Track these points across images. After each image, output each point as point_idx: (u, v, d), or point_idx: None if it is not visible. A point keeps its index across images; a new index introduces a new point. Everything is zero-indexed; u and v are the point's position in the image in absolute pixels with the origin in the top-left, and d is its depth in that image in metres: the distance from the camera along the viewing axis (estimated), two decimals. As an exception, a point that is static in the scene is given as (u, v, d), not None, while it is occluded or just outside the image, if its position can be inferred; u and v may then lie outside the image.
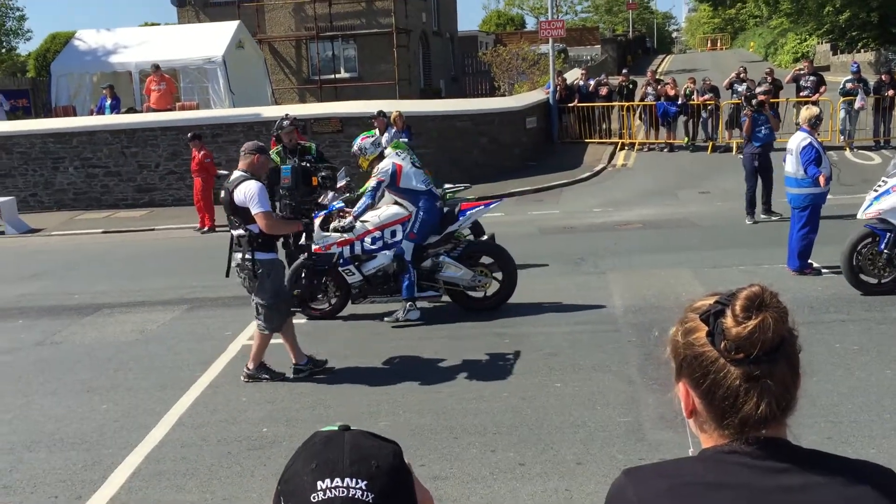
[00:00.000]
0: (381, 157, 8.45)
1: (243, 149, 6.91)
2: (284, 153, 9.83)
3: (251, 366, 6.95)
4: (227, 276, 7.14)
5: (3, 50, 41.69)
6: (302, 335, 8.19)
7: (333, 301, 8.75)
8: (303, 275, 8.60)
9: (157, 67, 19.78)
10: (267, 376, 6.94)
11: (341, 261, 8.39)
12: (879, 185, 8.48)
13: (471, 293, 8.61)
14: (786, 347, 1.35)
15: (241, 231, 6.63)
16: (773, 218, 12.52)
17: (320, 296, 8.74)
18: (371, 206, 8.29)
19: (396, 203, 8.48)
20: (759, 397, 1.32)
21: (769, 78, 20.10)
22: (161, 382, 7.10)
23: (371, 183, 8.25)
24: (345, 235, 8.36)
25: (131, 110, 20.21)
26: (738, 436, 1.35)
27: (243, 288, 7.02)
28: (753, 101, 12.43)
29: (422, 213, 8.25)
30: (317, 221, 8.44)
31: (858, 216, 8.59)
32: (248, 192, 6.48)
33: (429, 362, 7.20)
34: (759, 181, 12.51)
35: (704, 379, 1.36)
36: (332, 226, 8.48)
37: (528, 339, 7.65)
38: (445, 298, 8.70)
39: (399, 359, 7.35)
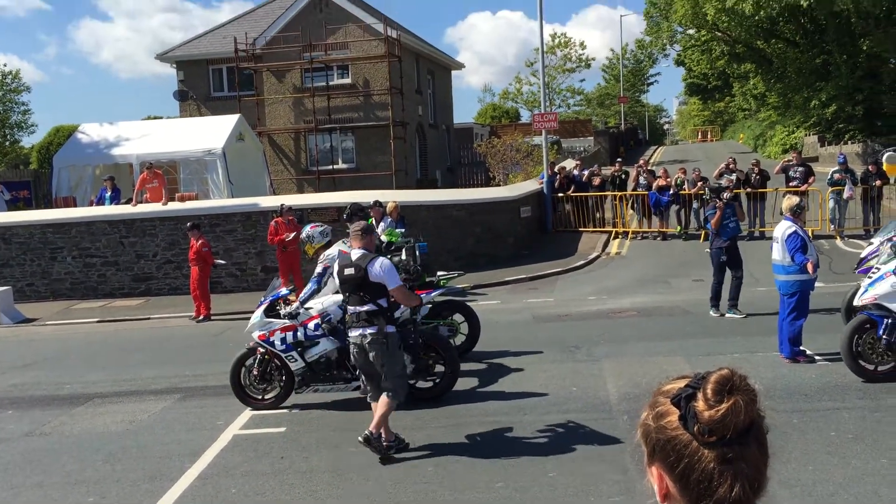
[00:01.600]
0: (327, 245, 8.75)
1: (359, 229, 7.17)
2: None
3: (375, 430, 6.93)
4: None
5: (7, 143, 42.49)
6: (294, 425, 8.14)
7: (276, 392, 8.70)
8: (247, 363, 8.67)
9: (150, 165, 20.10)
10: (392, 444, 7.01)
11: (284, 346, 8.43)
12: (874, 272, 8.59)
13: (414, 382, 8.45)
14: (756, 429, 1.37)
15: (370, 307, 6.93)
16: (738, 315, 12.00)
17: (265, 385, 8.73)
18: (317, 292, 8.49)
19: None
20: (733, 480, 1.33)
21: (756, 169, 20.51)
22: (150, 473, 7.00)
23: (317, 269, 8.50)
24: (289, 321, 8.45)
25: (131, 202, 20.43)
26: None
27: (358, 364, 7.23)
28: (724, 195, 12.34)
29: None
30: (261, 309, 8.59)
31: (855, 303, 8.67)
32: (384, 268, 6.95)
33: (419, 451, 7.12)
34: (729, 274, 12.19)
35: (678, 463, 1.36)
36: (282, 312, 8.58)
37: (521, 426, 7.58)
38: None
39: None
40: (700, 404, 1.35)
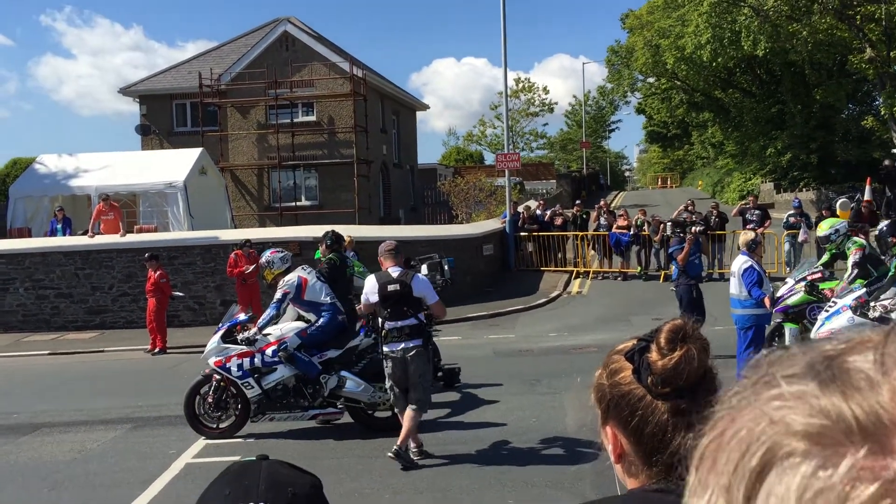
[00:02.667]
0: (287, 271, 8.77)
1: (391, 248, 7.45)
2: (340, 255, 10.07)
3: (402, 444, 7.19)
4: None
5: (-37, 174, 41.70)
6: (249, 454, 7.97)
7: (231, 421, 8.54)
8: (202, 391, 8.54)
9: (106, 197, 19.86)
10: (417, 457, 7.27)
11: (240, 373, 8.32)
12: (830, 306, 8.76)
13: (374, 413, 8.47)
14: (708, 381, 1.37)
15: (412, 321, 7.25)
16: None
17: (220, 413, 8.58)
18: (276, 318, 8.53)
19: (300, 318, 8.59)
20: (687, 431, 1.31)
21: (715, 212, 20.91)
22: (98, 502, 6.79)
23: (277, 295, 8.50)
24: (246, 347, 8.35)
25: (86, 233, 20.10)
26: (667, 474, 1.34)
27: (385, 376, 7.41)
28: (695, 228, 12.38)
29: (320, 321, 8.45)
30: (218, 335, 8.49)
31: (811, 336, 8.79)
32: (425, 283, 7.43)
33: (375, 479, 7.00)
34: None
35: (632, 417, 1.35)
36: (238, 337, 8.47)
37: (480, 455, 7.51)
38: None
39: (340, 474, 7.14)
40: (653, 355, 1.34)
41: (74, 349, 15.91)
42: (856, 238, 10.39)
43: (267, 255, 9.05)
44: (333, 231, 10.49)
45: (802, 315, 10.10)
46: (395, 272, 7.32)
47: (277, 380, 8.37)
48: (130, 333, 16.98)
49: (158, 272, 15.02)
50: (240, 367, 8.33)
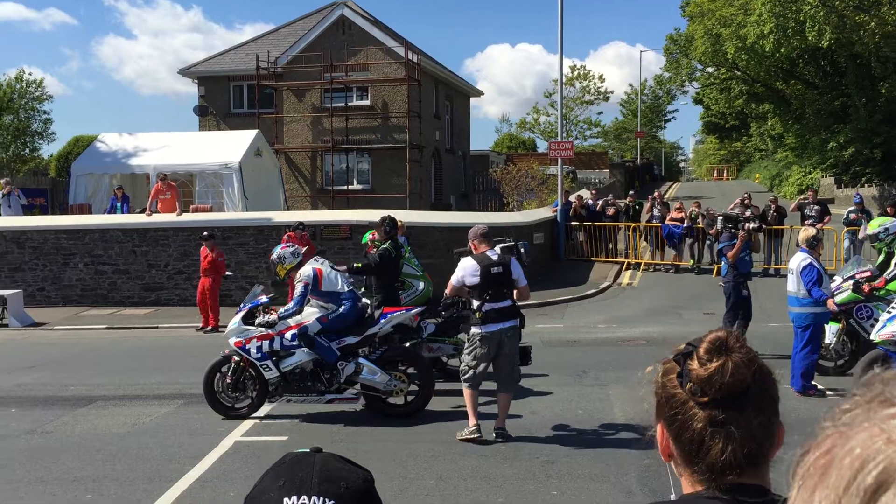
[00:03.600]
0: (298, 265, 8.80)
1: (485, 232, 7.79)
2: (393, 246, 10.01)
3: (503, 424, 7.63)
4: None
5: (28, 151, 42.91)
6: (297, 435, 8.10)
7: (247, 402, 8.64)
8: (222, 370, 8.61)
9: (164, 176, 20.24)
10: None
11: (259, 355, 8.43)
12: (893, 307, 8.51)
13: (388, 399, 8.57)
14: (754, 395, 1.34)
15: (510, 302, 7.58)
16: None
17: (237, 395, 8.70)
18: (297, 314, 8.53)
19: (321, 306, 8.61)
20: (724, 443, 1.31)
21: (773, 206, 20.48)
22: (149, 475, 6.95)
23: (298, 289, 8.51)
24: (266, 330, 8.45)
25: (143, 211, 20.54)
26: (710, 482, 1.33)
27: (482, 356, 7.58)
28: (749, 225, 11.96)
29: (341, 309, 8.50)
30: (239, 315, 8.57)
31: (872, 337, 8.56)
32: (518, 267, 7.75)
33: (421, 464, 7.04)
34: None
35: (674, 420, 1.37)
36: (256, 321, 8.57)
37: (524, 446, 7.50)
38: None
39: (385, 460, 7.19)
40: (693, 363, 1.35)
41: (130, 324, 16.31)
42: None
43: (277, 251, 8.98)
44: (391, 217, 10.41)
45: (849, 314, 9.90)
46: (493, 255, 7.59)
47: (295, 363, 8.46)
48: (183, 311, 17.33)
49: (215, 252, 15.26)
50: (259, 349, 8.43)
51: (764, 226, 19.79)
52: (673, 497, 1.41)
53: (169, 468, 7.10)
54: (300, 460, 1.28)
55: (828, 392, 9.21)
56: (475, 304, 7.59)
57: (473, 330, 7.65)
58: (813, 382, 9.16)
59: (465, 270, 7.58)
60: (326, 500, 1.21)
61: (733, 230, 11.64)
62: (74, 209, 22.36)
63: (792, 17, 31.65)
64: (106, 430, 8.43)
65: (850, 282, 9.87)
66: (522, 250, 10.20)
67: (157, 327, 16.06)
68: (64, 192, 25.81)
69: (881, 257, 10.56)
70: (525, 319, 7.98)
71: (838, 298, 9.85)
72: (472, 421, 7.56)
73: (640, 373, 1.54)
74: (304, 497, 1.21)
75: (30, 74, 43.34)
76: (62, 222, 19.62)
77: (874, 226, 10.61)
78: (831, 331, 9.92)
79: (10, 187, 20.68)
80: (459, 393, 8.27)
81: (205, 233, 15.65)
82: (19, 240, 18.79)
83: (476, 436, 7.46)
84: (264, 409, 8.97)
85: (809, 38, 31.71)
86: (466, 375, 7.65)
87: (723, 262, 12.05)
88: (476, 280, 7.48)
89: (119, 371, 11.72)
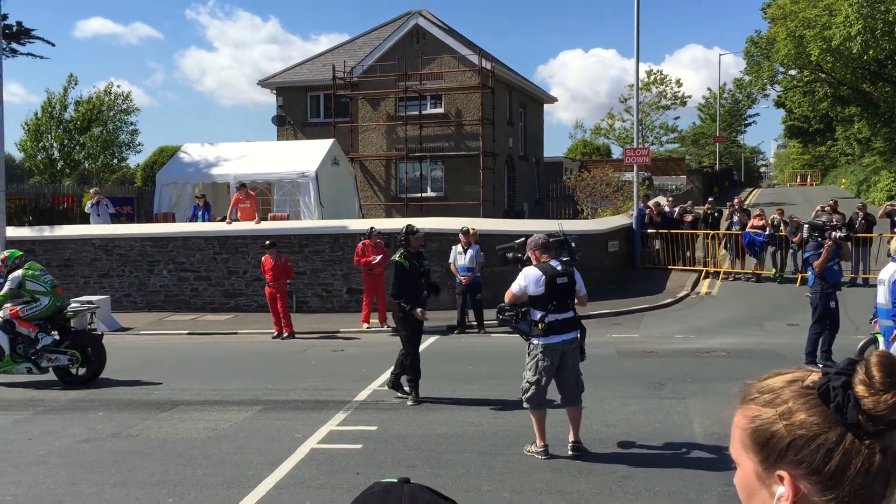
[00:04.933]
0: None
1: (545, 242, 7.66)
2: (409, 256, 10.05)
3: (577, 436, 7.50)
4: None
5: (115, 161, 44.52)
6: (372, 443, 8.14)
7: None
8: None
9: (243, 185, 20.71)
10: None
11: None
12: None
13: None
14: None
15: (573, 313, 7.50)
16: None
17: None
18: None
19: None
20: (888, 475, 1.19)
21: (861, 213, 19.71)
22: (228, 480, 7.09)
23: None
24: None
25: (224, 219, 21.08)
26: None
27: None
28: (835, 234, 11.45)
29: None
30: None
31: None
32: (579, 277, 7.64)
33: (492, 479, 6.99)
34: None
35: (828, 460, 1.21)
36: None
37: (601, 459, 7.37)
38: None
39: (460, 472, 7.15)
40: (861, 389, 1.21)
41: (210, 330, 16.72)
42: None
43: None
44: (408, 225, 10.52)
45: None
46: (557, 265, 7.43)
47: None
48: (261, 317, 17.65)
49: (280, 258, 15.50)
50: None
51: (851, 234, 19.08)
52: None
53: (247, 474, 7.23)
54: (389, 491, 1.26)
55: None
56: (537, 314, 7.37)
57: (534, 342, 7.41)
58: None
59: (529, 280, 7.39)
60: None
61: (819, 239, 11.22)
62: (159, 217, 23.09)
63: (881, 18, 30.51)
64: (187, 435, 8.65)
65: None
66: (573, 244, 9.96)
67: (235, 333, 16.43)
68: (149, 200, 26.68)
69: None
70: (586, 331, 7.81)
71: None
72: (539, 442, 7.45)
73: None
74: None
75: (118, 87, 45.08)
76: (147, 230, 20.28)
77: None
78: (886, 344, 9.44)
79: (99, 196, 21.48)
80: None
81: (267, 241, 15.89)
82: (107, 247, 19.51)
83: (542, 457, 7.37)
84: (339, 418, 9.07)
85: (899, 38, 30.47)
86: (529, 394, 7.40)
87: (809, 272, 11.63)
88: (541, 290, 7.32)
89: (200, 376, 12.02)
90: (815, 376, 1.28)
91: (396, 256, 10.04)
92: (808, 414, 1.23)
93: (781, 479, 1.25)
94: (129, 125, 43.90)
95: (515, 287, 7.48)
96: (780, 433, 1.25)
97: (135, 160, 50.47)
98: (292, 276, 16.00)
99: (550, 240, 8.53)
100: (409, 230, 10.20)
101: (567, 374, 7.48)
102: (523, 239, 8.09)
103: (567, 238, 9.52)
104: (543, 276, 7.32)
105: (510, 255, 8.41)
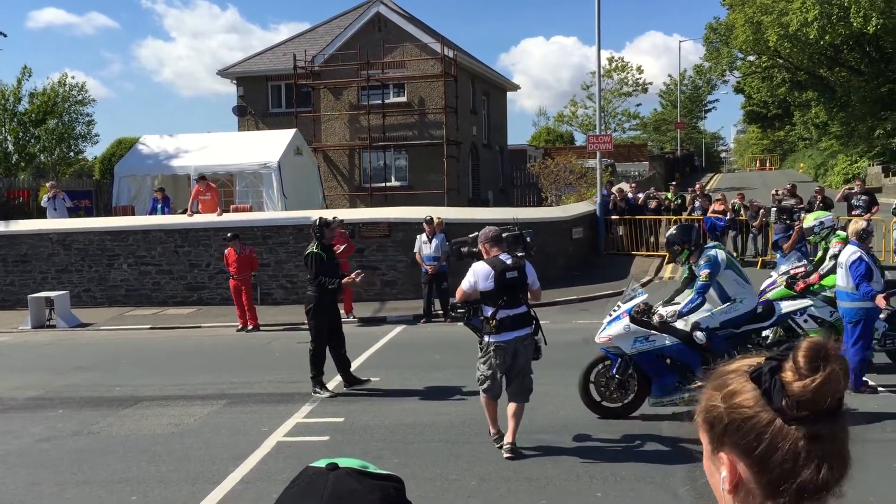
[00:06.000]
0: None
1: (496, 235, 7.36)
2: (324, 248, 10.00)
3: (514, 438, 7.12)
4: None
5: (72, 153, 43.63)
6: (339, 434, 8.10)
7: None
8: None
9: (204, 177, 20.45)
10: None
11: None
12: (614, 310, 8.40)
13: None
14: (846, 408, 1.25)
15: (524, 308, 7.21)
16: None
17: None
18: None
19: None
20: (821, 461, 1.20)
21: (819, 196, 20.02)
22: (193, 476, 7.00)
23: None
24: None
25: (185, 212, 20.79)
26: None
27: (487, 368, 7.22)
28: (805, 216, 11.70)
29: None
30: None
31: (596, 339, 8.41)
32: (531, 270, 7.35)
33: (462, 465, 6.99)
34: None
35: (758, 443, 1.23)
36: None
37: (568, 446, 7.41)
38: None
39: (427, 460, 7.14)
40: (789, 375, 1.22)
41: (173, 324, 16.51)
42: (840, 231, 9.99)
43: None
44: (320, 218, 10.48)
45: None
46: (507, 259, 7.18)
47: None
48: (225, 310, 17.47)
49: (244, 250, 15.38)
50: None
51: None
52: None
53: (213, 469, 7.14)
54: (313, 481, 1.19)
55: (879, 388, 8.96)
56: (488, 311, 7.15)
57: (486, 339, 7.22)
58: (864, 378, 8.92)
59: (478, 275, 7.14)
60: None
61: (788, 221, 11.45)
62: (118, 211, 22.71)
63: (836, 4, 30.96)
64: (150, 431, 8.52)
65: (784, 277, 9.88)
66: (528, 239, 9.98)
67: (199, 327, 16.24)
68: (108, 193, 26.24)
69: (820, 253, 10.32)
70: (540, 326, 7.51)
71: (771, 294, 9.89)
72: (491, 429, 7.37)
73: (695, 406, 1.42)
74: None
75: (72, 78, 43.98)
76: (106, 224, 19.93)
77: (809, 220, 10.45)
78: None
79: (56, 190, 21.05)
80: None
81: (228, 234, 15.70)
82: (65, 242, 19.14)
83: (497, 444, 7.25)
84: (305, 410, 9.01)
85: (855, 24, 31.00)
86: (485, 386, 7.29)
87: (778, 255, 11.84)
88: (490, 286, 7.06)
89: (163, 371, 11.86)
90: (747, 363, 1.29)
91: (312, 248, 9.97)
92: (745, 398, 1.26)
93: (723, 461, 1.29)
94: (86, 117, 42.99)
95: (465, 284, 7.24)
96: (722, 415, 1.28)
97: (92, 153, 49.38)
98: (256, 267, 15.91)
99: (504, 234, 8.50)
100: (324, 222, 10.19)
101: (517, 370, 7.23)
102: (476, 233, 7.97)
103: (522, 232, 9.50)
104: (492, 271, 7.06)
105: (464, 249, 8.28)
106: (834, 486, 1.21)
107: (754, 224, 19.97)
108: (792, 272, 9.95)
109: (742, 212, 20.25)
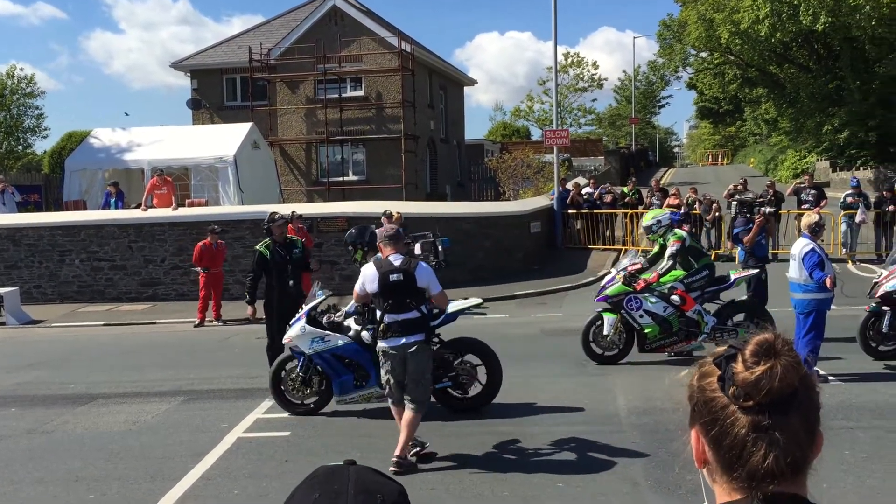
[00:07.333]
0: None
1: (391, 234, 6.94)
2: (274, 246, 9.88)
3: (403, 453, 6.71)
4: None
5: (21, 147, 42.63)
6: (300, 430, 8.08)
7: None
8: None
9: (160, 172, 20.18)
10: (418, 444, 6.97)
11: None
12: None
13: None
14: (801, 400, 1.30)
15: (415, 314, 6.77)
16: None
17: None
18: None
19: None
20: (767, 449, 1.26)
21: (771, 191, 20.44)
22: (151, 473, 6.91)
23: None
24: None
25: (139, 206, 20.46)
26: (749, 490, 1.29)
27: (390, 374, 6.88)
28: (766, 209, 11.98)
29: None
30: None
31: (283, 341, 8.61)
32: (429, 273, 6.86)
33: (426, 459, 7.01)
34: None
35: (713, 425, 1.31)
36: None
37: (529, 437, 7.47)
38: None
39: (390, 453, 7.14)
40: (738, 366, 1.30)
41: (128, 320, 16.25)
42: (677, 230, 10.39)
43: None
44: (272, 213, 10.37)
45: (619, 305, 10.20)
46: (396, 260, 6.75)
47: None
48: (181, 306, 17.27)
49: (217, 245, 15.57)
50: None
51: (778, 211, 19.70)
52: None
53: (171, 466, 7.06)
54: (334, 473, 1.25)
55: (830, 378, 9.20)
56: (378, 314, 6.92)
57: (378, 344, 6.99)
58: (815, 368, 9.14)
59: (366, 277, 6.85)
60: None
61: (748, 215, 11.67)
62: (69, 205, 22.26)
63: (787, 2, 31.59)
64: (107, 429, 8.39)
65: (622, 273, 10.22)
66: (440, 247, 10.07)
67: (154, 323, 16.01)
68: (58, 188, 25.69)
69: (656, 248, 10.65)
70: (432, 334, 7.20)
71: (610, 290, 10.27)
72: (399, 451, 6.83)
73: (673, 377, 1.49)
74: None
75: (21, 70, 42.88)
76: (57, 219, 19.51)
77: (647, 218, 10.77)
78: (609, 322, 10.21)
79: (4, 184, 20.57)
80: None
81: (215, 227, 15.79)
82: (14, 237, 18.69)
83: (414, 458, 6.86)
84: (266, 405, 8.94)
85: (804, 21, 31.66)
86: (387, 391, 7.05)
87: (738, 248, 12.05)
88: (375, 288, 6.76)
89: (119, 368, 11.67)
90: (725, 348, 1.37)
91: (259, 246, 9.86)
92: (710, 381, 1.34)
93: (693, 437, 1.39)
94: (34, 109, 42.04)
95: (357, 285, 7.01)
96: (694, 394, 1.37)
97: (41, 146, 48.38)
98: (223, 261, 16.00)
99: (416, 241, 8.51)
100: (271, 218, 10.08)
101: (408, 377, 6.82)
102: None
103: (436, 240, 9.53)
104: (377, 273, 6.76)
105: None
106: (784, 475, 1.26)
107: (707, 218, 20.31)
108: (630, 269, 10.24)
109: (696, 206, 20.58)
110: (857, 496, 5.85)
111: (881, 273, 10.38)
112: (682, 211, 20.45)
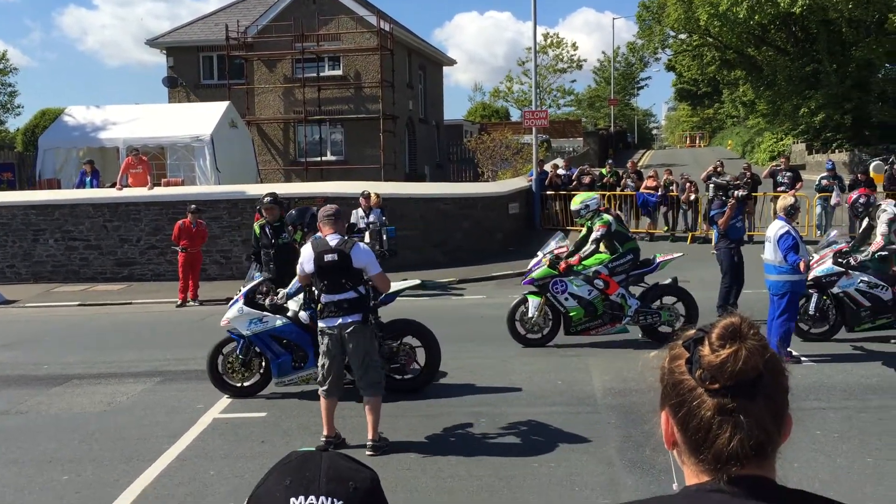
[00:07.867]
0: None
1: (329, 214, 6.77)
2: (264, 227, 10.02)
3: (375, 435, 6.73)
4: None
5: (-8, 124, 42.01)
6: (276, 410, 8.06)
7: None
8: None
9: (135, 151, 19.96)
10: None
11: None
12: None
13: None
14: (766, 384, 1.31)
15: (352, 294, 6.65)
16: None
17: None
18: None
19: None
20: (732, 432, 1.28)
21: (747, 173, 20.59)
22: (127, 454, 6.88)
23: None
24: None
25: (114, 185, 20.23)
26: (715, 472, 1.30)
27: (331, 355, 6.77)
28: (738, 192, 11.99)
29: None
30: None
31: (220, 323, 8.66)
32: (367, 253, 6.73)
33: (401, 439, 7.03)
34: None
35: (681, 407, 1.33)
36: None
37: (504, 418, 7.51)
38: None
39: (364, 435, 7.16)
40: (704, 349, 1.31)
41: (103, 300, 16.11)
42: (604, 215, 10.53)
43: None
44: (268, 193, 10.57)
45: (545, 288, 10.35)
46: (333, 240, 6.63)
47: None
48: (157, 286, 17.15)
49: (198, 223, 15.44)
50: None
51: (752, 194, 19.83)
52: (675, 487, 1.37)
53: (147, 447, 7.03)
54: (307, 459, 1.25)
55: (802, 358, 9.31)
56: (316, 294, 6.85)
57: (318, 324, 6.90)
58: (789, 349, 9.26)
59: (304, 257, 6.75)
60: (335, 500, 1.20)
61: (724, 197, 11.74)
62: (43, 184, 21.98)
63: (765, -17, 31.63)
64: (82, 410, 8.34)
65: (548, 256, 10.40)
66: (385, 237, 10.19)
67: (130, 303, 15.88)
68: (31, 166, 25.34)
69: (584, 232, 10.80)
70: (373, 315, 7.23)
71: (536, 273, 10.42)
72: (324, 431, 6.85)
73: (645, 358, 1.51)
74: (312, 497, 1.19)
75: (-8, 46, 42.10)
76: (30, 198, 19.26)
77: (576, 202, 10.91)
78: (533, 304, 10.37)
79: (-24, 163, 20.24)
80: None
81: (193, 206, 15.57)
82: (-14, 216, 18.43)
83: (322, 447, 6.52)
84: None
85: (782, 4, 31.77)
86: (319, 379, 6.96)
87: (714, 230, 12.11)
88: (311, 268, 6.66)
89: (93, 348, 11.58)
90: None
91: (255, 224, 10.12)
92: (679, 363, 1.36)
93: (662, 418, 1.40)
94: (7, 86, 41.43)
95: (298, 266, 6.92)
96: (664, 375, 1.39)
97: (14, 124, 47.66)
98: (205, 239, 15.84)
99: (370, 229, 8.54)
100: (261, 201, 10.23)
101: (352, 362, 6.80)
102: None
103: (381, 229, 9.62)
104: (313, 253, 6.65)
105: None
106: (749, 458, 1.28)
107: (683, 199, 20.43)
108: (556, 252, 10.38)
109: (673, 187, 20.69)
110: (828, 475, 5.94)
111: (813, 256, 10.44)
112: (658, 193, 20.57)
